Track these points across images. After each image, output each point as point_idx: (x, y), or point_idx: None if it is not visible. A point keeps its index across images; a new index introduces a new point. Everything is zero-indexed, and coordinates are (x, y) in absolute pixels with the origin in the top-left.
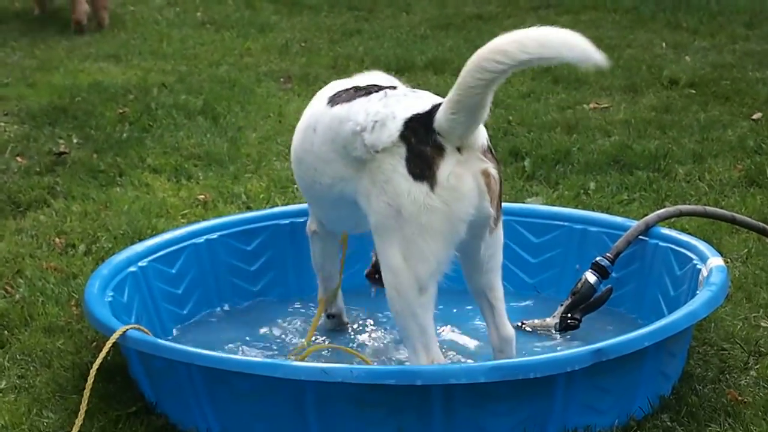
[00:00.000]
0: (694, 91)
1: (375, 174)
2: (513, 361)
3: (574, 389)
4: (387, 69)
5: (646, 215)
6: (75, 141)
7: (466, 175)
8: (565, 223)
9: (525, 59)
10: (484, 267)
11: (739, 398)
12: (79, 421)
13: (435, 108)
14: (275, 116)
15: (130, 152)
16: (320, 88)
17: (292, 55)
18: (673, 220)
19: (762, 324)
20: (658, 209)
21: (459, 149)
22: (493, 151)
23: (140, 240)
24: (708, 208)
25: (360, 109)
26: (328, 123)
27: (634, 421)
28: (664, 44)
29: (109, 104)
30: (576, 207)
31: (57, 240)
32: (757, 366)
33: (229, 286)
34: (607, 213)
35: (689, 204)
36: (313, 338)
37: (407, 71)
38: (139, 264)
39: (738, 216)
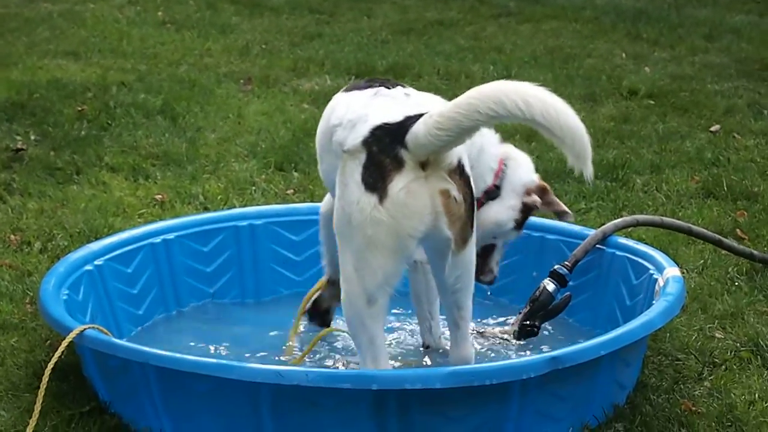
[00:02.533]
0: (653, 102)
1: (340, 174)
2: (469, 367)
3: (529, 396)
4: (347, 73)
5: (604, 224)
6: (32, 138)
7: (420, 193)
8: (524, 231)
9: (535, 122)
10: (451, 287)
11: (693, 408)
12: (33, 421)
13: (407, 120)
14: (234, 117)
15: (87, 150)
16: (280, 90)
17: (252, 57)
18: (630, 229)
19: (717, 335)
20: (615, 219)
21: (424, 165)
22: (466, 172)
23: (97, 239)
24: (665, 218)
25: (346, 103)
26: (328, 108)
27: (588, 430)
28: (623, 55)
29: (67, 102)
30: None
31: (12, 237)
32: (711, 377)
33: (186, 286)
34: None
35: (646, 214)
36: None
37: (367, 75)
38: (95, 263)
39: (694, 227)
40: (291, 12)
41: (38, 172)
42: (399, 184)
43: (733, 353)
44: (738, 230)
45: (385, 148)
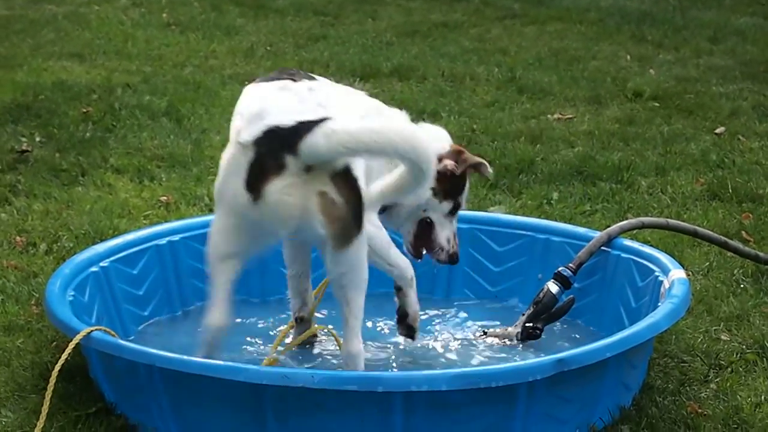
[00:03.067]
0: (657, 104)
1: (230, 157)
2: (475, 369)
3: (535, 398)
4: (352, 75)
5: (609, 226)
6: (38, 139)
7: (295, 195)
8: (528, 233)
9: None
10: (337, 282)
11: (699, 411)
12: (41, 422)
13: (300, 126)
14: None
15: (92, 152)
16: None
17: (257, 59)
18: (635, 231)
19: (722, 337)
20: (620, 221)
21: (309, 168)
22: (352, 175)
23: (102, 240)
24: (670, 220)
25: (252, 95)
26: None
27: (594, 431)
28: (628, 57)
29: (72, 103)
30: (539, 217)
31: (18, 238)
32: (717, 379)
33: (191, 288)
34: (569, 223)
35: (651, 216)
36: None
37: (372, 78)
38: (101, 264)
39: (700, 229)
40: (296, 14)
41: (43, 173)
42: (275, 188)
43: (739, 355)
44: (743, 232)
45: (273, 152)
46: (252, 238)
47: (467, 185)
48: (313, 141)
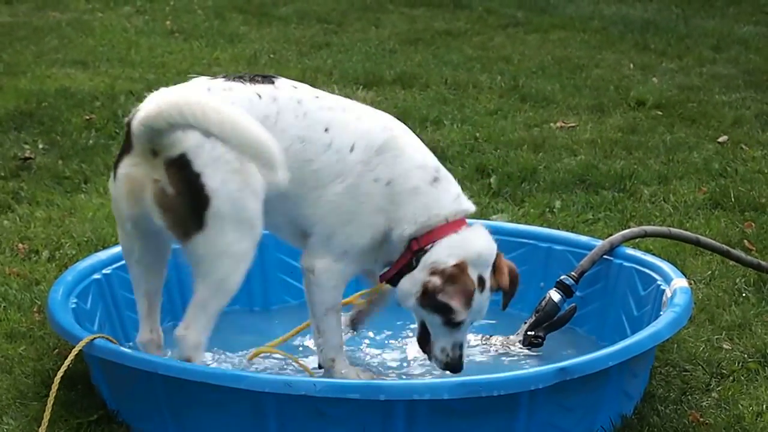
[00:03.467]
0: (660, 113)
1: None
2: (477, 378)
3: (537, 407)
4: (355, 83)
5: (611, 235)
6: (40, 146)
7: (136, 176)
8: (531, 241)
9: (212, 134)
10: (192, 273)
11: (701, 419)
12: (42, 430)
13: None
14: None
15: (95, 159)
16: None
17: (260, 67)
18: (637, 240)
19: (724, 346)
20: (622, 229)
21: (155, 153)
22: (190, 167)
23: (104, 247)
24: (672, 229)
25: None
26: None
27: None
28: (631, 65)
29: (75, 110)
30: (541, 225)
31: (20, 245)
32: (719, 388)
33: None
34: (572, 232)
35: (654, 225)
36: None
37: (375, 85)
38: (103, 271)
39: (702, 238)
40: (299, 22)
41: (46, 180)
42: (123, 168)
43: (740, 364)
44: (746, 241)
45: (128, 132)
46: (119, 227)
47: (457, 309)
48: (138, 114)
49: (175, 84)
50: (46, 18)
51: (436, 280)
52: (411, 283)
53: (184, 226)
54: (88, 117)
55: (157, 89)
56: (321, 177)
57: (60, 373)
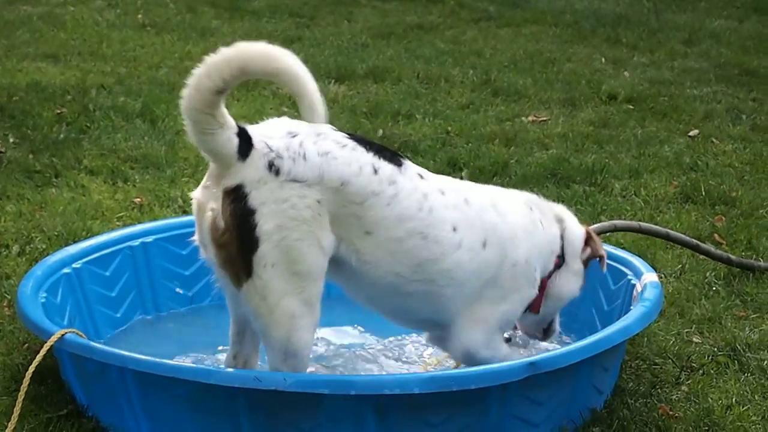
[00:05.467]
0: (632, 107)
1: None
2: (448, 372)
3: (508, 401)
4: (327, 77)
5: None
6: (11, 140)
7: (198, 203)
8: None
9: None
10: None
11: (671, 413)
12: (12, 424)
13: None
14: None
15: (66, 153)
16: (260, 94)
17: None
18: (608, 234)
19: (694, 339)
20: (593, 223)
21: (220, 177)
22: (243, 202)
23: (75, 242)
24: (643, 223)
25: None
26: None
27: None
28: (603, 59)
29: (46, 104)
30: None
31: None
32: (689, 381)
33: (164, 289)
34: None
35: (624, 219)
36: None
37: (347, 79)
38: (74, 266)
39: (672, 232)
40: (271, 15)
41: (17, 175)
42: (198, 188)
43: (710, 358)
44: (716, 235)
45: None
46: (209, 259)
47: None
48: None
49: (146, 78)
50: (17, 11)
51: (588, 249)
52: (575, 277)
53: (234, 269)
54: (59, 111)
55: (128, 83)
56: (455, 276)
57: (31, 369)
